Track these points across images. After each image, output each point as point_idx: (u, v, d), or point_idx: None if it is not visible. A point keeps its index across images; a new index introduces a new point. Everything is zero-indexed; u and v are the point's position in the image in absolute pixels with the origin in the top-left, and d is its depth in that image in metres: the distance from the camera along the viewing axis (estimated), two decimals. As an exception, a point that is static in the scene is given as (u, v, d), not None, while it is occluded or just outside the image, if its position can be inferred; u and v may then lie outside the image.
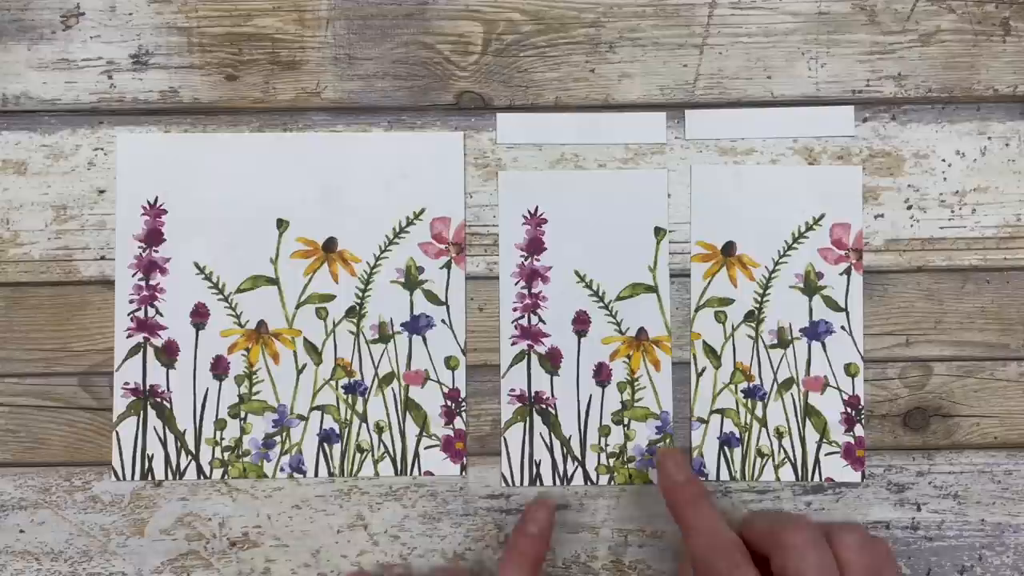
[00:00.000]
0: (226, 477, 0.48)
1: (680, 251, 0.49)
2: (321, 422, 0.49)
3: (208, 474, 0.48)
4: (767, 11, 0.50)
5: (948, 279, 0.49)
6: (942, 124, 0.50)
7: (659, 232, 0.49)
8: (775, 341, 0.49)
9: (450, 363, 0.49)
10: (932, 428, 0.49)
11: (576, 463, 0.49)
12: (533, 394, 0.49)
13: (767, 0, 0.50)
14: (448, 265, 0.49)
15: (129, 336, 0.49)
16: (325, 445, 0.48)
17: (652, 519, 0.49)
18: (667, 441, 0.49)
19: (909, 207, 0.49)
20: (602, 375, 0.49)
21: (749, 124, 0.49)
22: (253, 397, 0.49)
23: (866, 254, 0.49)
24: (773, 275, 0.49)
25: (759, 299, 0.49)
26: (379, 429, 0.49)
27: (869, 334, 0.49)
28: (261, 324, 0.49)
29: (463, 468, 0.49)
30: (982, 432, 0.49)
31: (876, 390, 0.49)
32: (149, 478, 0.48)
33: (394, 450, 0.49)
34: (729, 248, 0.49)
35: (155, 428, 0.48)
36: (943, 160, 0.49)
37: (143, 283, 0.49)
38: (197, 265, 0.49)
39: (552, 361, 0.49)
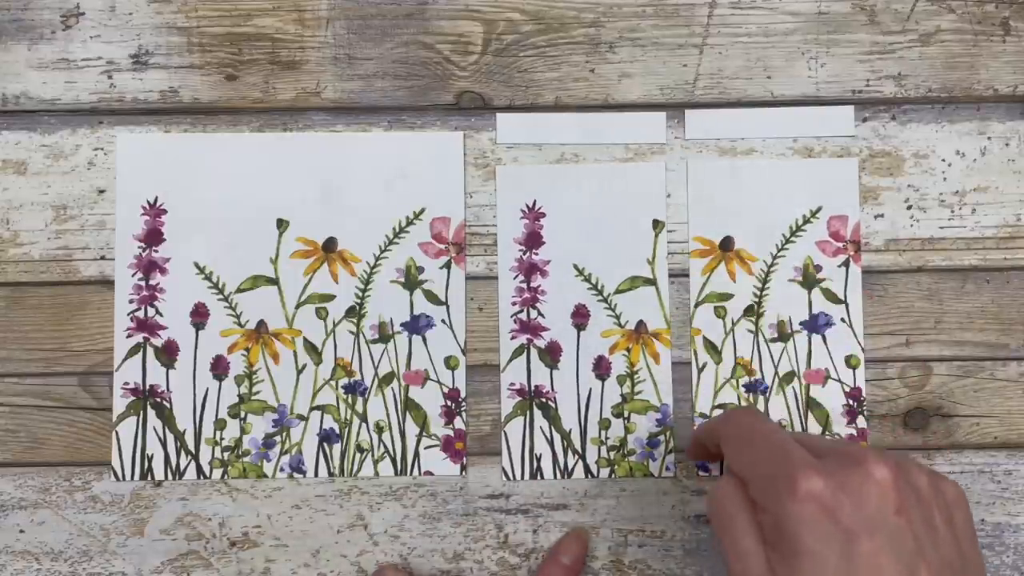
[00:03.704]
0: (226, 477, 0.48)
1: (680, 251, 0.49)
2: (321, 422, 0.49)
3: (208, 474, 0.48)
4: (767, 11, 0.50)
5: (948, 279, 0.49)
6: (942, 124, 0.50)
7: (657, 225, 0.49)
8: (775, 335, 0.49)
9: (450, 363, 0.49)
10: (932, 428, 0.49)
11: (576, 456, 0.48)
12: (533, 388, 0.49)
13: (767, 0, 0.50)
14: (448, 265, 0.49)
15: (129, 336, 0.49)
16: (325, 445, 0.48)
17: (652, 519, 0.48)
18: (667, 434, 0.48)
19: (909, 207, 0.49)
20: (602, 368, 0.49)
21: (749, 124, 0.50)
22: (253, 397, 0.49)
23: (866, 254, 0.49)
24: (772, 269, 0.49)
25: (758, 293, 0.49)
26: (379, 429, 0.49)
27: (869, 334, 0.49)
28: (261, 324, 0.49)
29: (463, 468, 0.48)
30: (982, 432, 0.49)
31: (876, 390, 0.49)
32: (149, 478, 0.48)
33: (394, 450, 0.48)
34: (727, 243, 0.49)
35: (155, 428, 0.48)
36: (943, 160, 0.49)
37: (143, 283, 0.49)
38: (197, 265, 0.49)
39: (552, 355, 0.49)
